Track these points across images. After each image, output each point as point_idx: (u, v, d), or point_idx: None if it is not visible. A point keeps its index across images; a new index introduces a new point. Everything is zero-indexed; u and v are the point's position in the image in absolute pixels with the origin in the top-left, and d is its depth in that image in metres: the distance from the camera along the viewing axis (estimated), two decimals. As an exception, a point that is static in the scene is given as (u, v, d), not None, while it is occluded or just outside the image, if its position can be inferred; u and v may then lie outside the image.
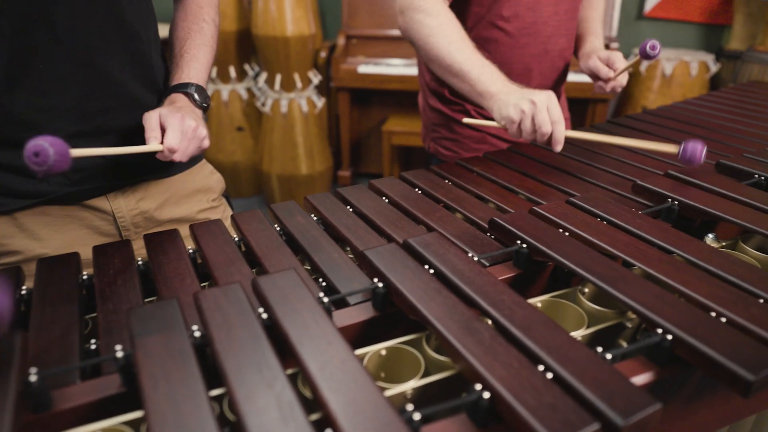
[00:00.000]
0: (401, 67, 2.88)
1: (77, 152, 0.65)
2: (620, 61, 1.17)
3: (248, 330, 0.49)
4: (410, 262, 0.61)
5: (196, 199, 1.01)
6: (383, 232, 0.78)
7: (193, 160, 1.02)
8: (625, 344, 0.59)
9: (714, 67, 2.88)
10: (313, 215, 0.84)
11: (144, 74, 0.88)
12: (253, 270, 0.71)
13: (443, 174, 1.00)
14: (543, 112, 0.91)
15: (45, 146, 0.61)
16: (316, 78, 2.92)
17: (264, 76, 2.87)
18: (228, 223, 0.88)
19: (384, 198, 0.90)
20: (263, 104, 2.88)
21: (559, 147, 0.94)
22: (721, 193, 0.80)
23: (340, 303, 0.61)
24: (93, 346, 0.54)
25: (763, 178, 0.88)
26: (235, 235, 0.79)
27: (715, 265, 0.61)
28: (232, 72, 2.94)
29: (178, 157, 0.78)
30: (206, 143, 0.85)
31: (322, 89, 3.14)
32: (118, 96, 0.84)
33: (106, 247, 0.72)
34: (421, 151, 3.26)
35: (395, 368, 0.54)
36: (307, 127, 2.89)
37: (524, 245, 0.66)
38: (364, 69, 2.87)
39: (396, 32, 2.97)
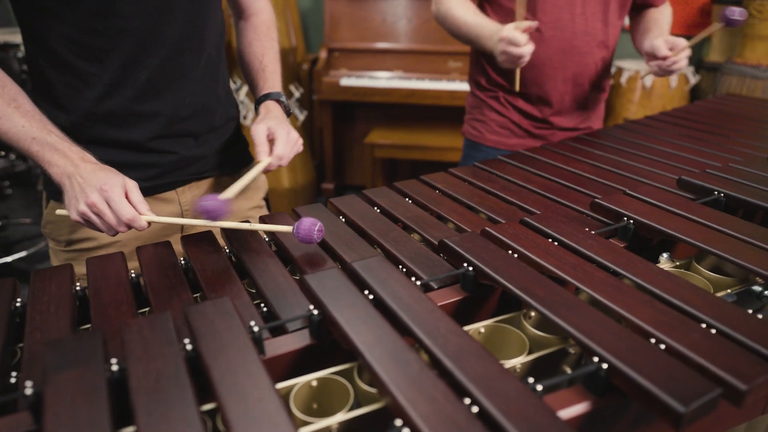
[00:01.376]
0: (384, 80, 2.88)
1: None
2: (683, 44, 1.25)
3: (169, 363, 0.47)
4: (350, 287, 0.59)
5: (247, 195, 1.10)
6: (335, 254, 0.76)
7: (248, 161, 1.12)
8: (569, 370, 0.58)
9: (693, 79, 2.90)
10: (265, 236, 0.83)
11: (216, 85, 1.01)
12: (196, 295, 0.69)
13: (405, 192, 0.99)
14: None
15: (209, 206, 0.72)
16: (297, 91, 2.91)
17: (245, 89, 2.86)
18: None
19: (341, 217, 0.89)
20: (244, 117, 2.87)
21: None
22: (677, 213, 0.79)
23: (279, 330, 0.59)
24: (13, 380, 0.52)
25: (722, 195, 0.87)
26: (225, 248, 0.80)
27: (662, 289, 0.59)
28: (214, 85, 2.93)
29: (284, 163, 0.91)
30: (301, 148, 0.97)
31: (305, 102, 3.13)
32: (198, 104, 0.97)
33: (45, 271, 0.70)
34: (405, 163, 3.26)
35: (327, 399, 0.53)
36: (288, 140, 2.88)
37: (471, 268, 0.65)
38: (346, 82, 2.87)
39: (379, 45, 2.97)
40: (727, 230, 0.73)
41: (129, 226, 0.74)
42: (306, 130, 3.13)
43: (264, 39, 1.08)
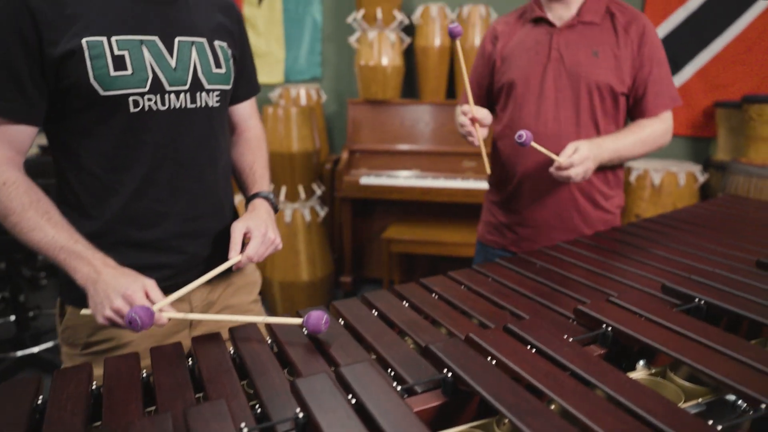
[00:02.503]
0: (402, 179, 3.04)
1: (164, 312, 0.84)
2: (578, 153, 1.30)
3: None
4: (335, 392, 0.64)
5: (246, 290, 1.19)
6: (330, 357, 0.82)
7: None
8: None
9: (702, 178, 2.97)
10: (268, 338, 0.89)
11: (229, 188, 1.13)
12: (198, 396, 0.75)
13: (404, 295, 1.06)
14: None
15: (136, 317, 0.77)
16: (319, 189, 3.08)
17: (270, 187, 3.04)
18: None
19: (340, 320, 0.95)
20: (268, 214, 3.03)
21: None
22: (655, 321, 0.83)
23: (270, 431, 0.64)
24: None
25: (703, 302, 0.91)
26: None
27: (628, 398, 0.63)
28: (241, 184, 3.13)
29: (255, 260, 1.00)
30: (279, 246, 1.06)
31: (327, 199, 3.29)
32: (213, 204, 1.08)
33: (66, 370, 0.78)
34: (422, 258, 3.33)
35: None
36: (309, 235, 3.01)
37: (450, 374, 0.69)
38: (366, 180, 3.03)
39: (397, 146, 3.17)
40: (702, 340, 0.77)
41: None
42: (327, 225, 3.26)
43: (255, 150, 1.20)
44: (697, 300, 0.91)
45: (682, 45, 3.25)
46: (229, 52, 1.07)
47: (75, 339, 1.01)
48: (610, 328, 0.82)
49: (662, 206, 2.92)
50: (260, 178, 1.17)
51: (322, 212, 3.10)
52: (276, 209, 1.14)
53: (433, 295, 1.06)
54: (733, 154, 3.10)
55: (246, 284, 1.19)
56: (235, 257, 0.98)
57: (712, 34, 3.23)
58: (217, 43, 1.04)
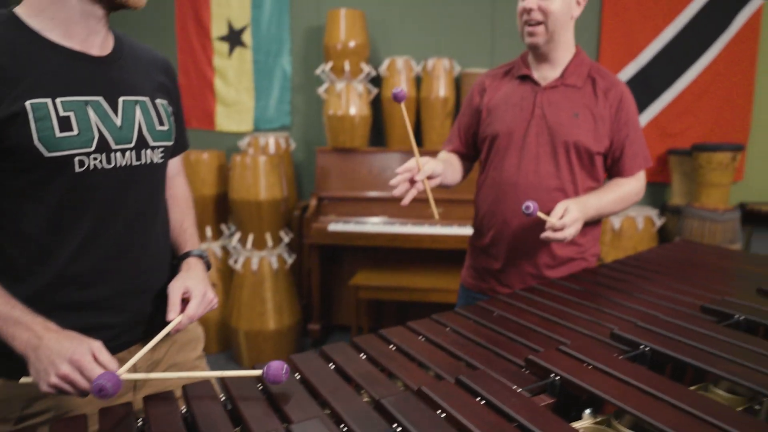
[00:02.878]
0: (369, 225, 3.07)
1: (126, 376, 0.83)
2: (568, 216, 1.34)
3: None
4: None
5: (190, 347, 1.17)
6: (284, 414, 0.82)
7: None
8: None
9: (659, 222, 3.09)
10: (222, 395, 0.88)
11: (166, 242, 1.12)
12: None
13: (361, 347, 1.06)
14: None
15: (106, 385, 0.76)
16: (287, 236, 3.08)
17: (238, 235, 3.03)
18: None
19: (296, 374, 0.95)
20: (235, 261, 3.00)
21: None
22: (601, 369, 0.86)
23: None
24: None
25: (648, 349, 0.94)
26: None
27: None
28: (209, 231, 3.11)
29: (193, 320, 1.00)
30: (216, 305, 1.05)
31: (295, 246, 3.29)
32: (156, 260, 1.07)
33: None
34: (391, 304, 3.33)
35: None
36: (276, 283, 2.99)
37: (399, 429, 0.70)
38: (334, 227, 3.05)
39: (364, 193, 3.21)
40: (646, 388, 0.80)
41: None
42: (294, 272, 3.25)
43: (183, 207, 1.21)
44: (642, 347, 0.95)
45: (635, 96, 3.43)
46: (170, 109, 1.10)
47: (7, 413, 0.94)
48: (558, 378, 0.84)
49: (623, 250, 3.01)
50: (191, 236, 1.17)
51: (290, 259, 3.09)
52: (209, 267, 1.14)
53: (391, 346, 1.06)
54: (687, 198, 3.24)
55: (189, 341, 1.17)
56: (176, 318, 0.97)
57: (662, 86, 3.44)
58: (158, 101, 1.06)
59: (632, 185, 1.56)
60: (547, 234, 1.35)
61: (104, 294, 0.98)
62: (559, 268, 1.57)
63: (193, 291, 1.01)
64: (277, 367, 0.84)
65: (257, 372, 0.86)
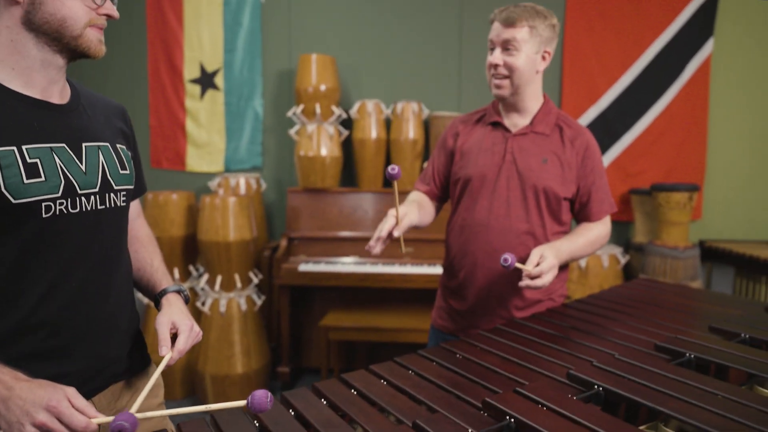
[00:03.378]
0: (340, 265, 3.06)
1: (140, 415, 0.81)
2: (545, 262, 1.37)
3: None
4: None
5: (152, 393, 1.12)
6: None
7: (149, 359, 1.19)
8: None
9: (623, 259, 3.17)
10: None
11: (128, 283, 1.12)
12: None
13: (322, 392, 1.05)
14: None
15: (125, 425, 0.75)
16: (256, 278, 3.06)
17: (206, 276, 2.99)
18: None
19: (255, 422, 0.94)
20: (203, 304, 2.95)
21: None
22: (556, 411, 0.87)
23: None
24: None
25: (601, 389, 0.96)
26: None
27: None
28: (176, 273, 3.06)
29: (182, 355, 0.99)
30: (200, 338, 1.06)
31: (264, 287, 3.26)
32: (121, 301, 1.06)
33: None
34: (362, 345, 3.30)
35: None
36: (245, 325, 2.94)
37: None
38: (304, 267, 3.03)
39: (335, 233, 3.22)
40: (598, 429, 0.81)
41: None
42: (264, 313, 3.21)
43: (149, 246, 1.22)
44: (596, 387, 0.97)
45: (597, 138, 3.56)
46: (129, 153, 1.12)
47: None
48: (513, 420, 0.85)
49: (590, 287, 3.07)
50: (164, 274, 1.18)
51: (259, 301, 3.05)
52: (187, 302, 1.15)
53: (352, 390, 1.06)
54: (649, 236, 3.34)
55: (151, 387, 1.15)
56: (168, 353, 0.98)
57: (622, 129, 3.59)
58: (118, 146, 1.08)
59: (600, 229, 1.63)
60: (525, 282, 1.37)
61: (70, 340, 0.97)
62: (528, 310, 1.60)
63: (180, 325, 1.03)
64: (261, 395, 0.83)
65: (241, 403, 0.83)
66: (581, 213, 1.63)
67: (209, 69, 3.64)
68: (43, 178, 0.91)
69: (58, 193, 0.93)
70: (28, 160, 0.90)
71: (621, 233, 3.60)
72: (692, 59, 3.50)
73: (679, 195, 3.05)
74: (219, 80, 3.64)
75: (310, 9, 3.59)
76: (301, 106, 3.26)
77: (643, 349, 1.20)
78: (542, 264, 1.37)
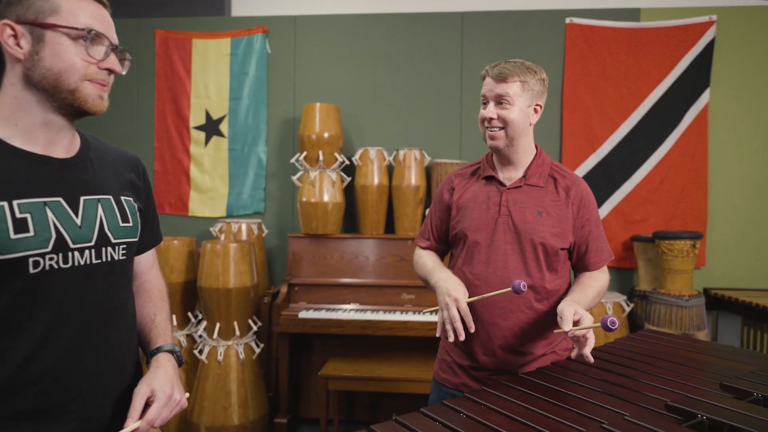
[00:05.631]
0: (341, 312, 3.02)
1: None
2: (586, 320, 1.34)
3: None
4: None
5: None
6: None
7: None
8: None
9: (628, 307, 3.12)
10: None
11: (129, 341, 1.08)
12: None
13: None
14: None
15: None
16: (255, 325, 3.01)
17: (204, 324, 2.95)
18: None
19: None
20: (200, 352, 2.90)
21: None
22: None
23: None
24: None
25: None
26: None
27: None
28: (174, 320, 3.02)
29: (156, 425, 0.95)
30: (185, 406, 1.03)
31: (263, 334, 3.21)
32: (114, 361, 1.03)
33: None
34: (362, 395, 3.21)
35: None
36: (242, 374, 2.88)
37: None
38: (304, 314, 2.99)
39: (336, 280, 3.19)
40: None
41: None
42: (262, 362, 3.14)
43: (156, 302, 1.19)
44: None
45: (596, 186, 3.59)
46: (136, 205, 1.10)
47: None
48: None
49: (594, 336, 3.01)
50: (163, 331, 1.15)
51: (258, 349, 2.99)
52: (181, 363, 1.12)
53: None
54: (653, 284, 3.30)
55: None
56: (132, 424, 0.93)
57: (622, 176, 3.61)
58: (123, 198, 1.07)
59: (603, 279, 1.61)
60: (581, 354, 1.36)
61: (59, 400, 0.94)
62: (532, 364, 1.56)
63: (158, 393, 0.99)
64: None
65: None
66: (580, 263, 1.62)
67: (215, 116, 3.71)
68: (32, 233, 0.90)
69: (47, 247, 0.91)
70: (18, 215, 0.89)
71: (624, 280, 3.57)
72: (690, 108, 3.55)
73: (682, 243, 3.03)
74: (224, 127, 3.70)
75: (314, 59, 3.69)
76: (304, 153, 3.30)
77: (653, 408, 1.16)
78: (581, 319, 1.35)
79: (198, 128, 3.71)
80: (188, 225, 3.73)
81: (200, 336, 2.99)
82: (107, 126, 3.65)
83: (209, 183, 3.71)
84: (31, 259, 0.90)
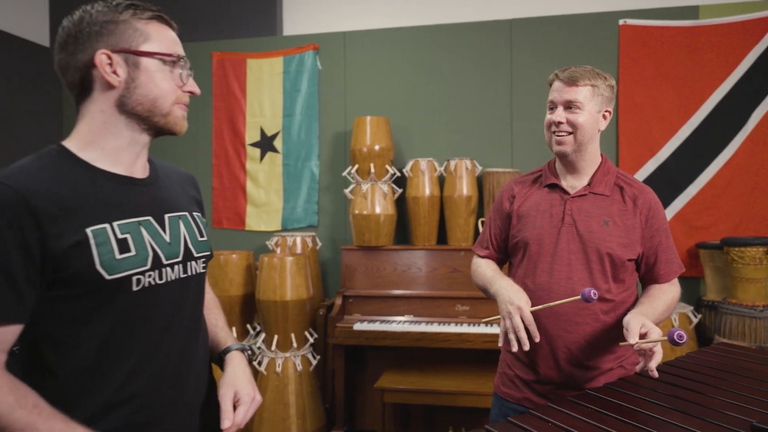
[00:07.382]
0: (395, 324, 3.02)
1: None
2: (653, 333, 1.30)
3: None
4: None
5: None
6: None
7: None
8: None
9: (695, 319, 2.98)
10: None
11: (206, 354, 1.12)
12: None
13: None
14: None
15: None
16: (311, 337, 3.05)
17: (263, 336, 3.02)
18: None
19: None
20: (259, 363, 2.97)
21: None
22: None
23: None
24: None
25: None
26: None
27: None
28: (234, 332, 3.11)
29: (242, 426, 0.99)
30: (260, 402, 1.08)
31: (319, 346, 3.25)
32: (200, 375, 1.07)
33: None
34: (418, 408, 3.19)
35: None
36: (300, 386, 2.92)
37: None
38: (359, 326, 3.01)
39: (389, 291, 3.20)
40: None
41: None
42: (318, 373, 3.18)
43: (213, 308, 1.25)
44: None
45: (657, 191, 3.41)
46: (204, 220, 1.15)
47: None
48: None
49: (663, 355, 2.88)
50: (227, 334, 1.20)
51: (314, 361, 3.03)
52: (251, 360, 1.17)
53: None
54: (723, 293, 3.13)
55: None
56: (230, 426, 0.98)
57: (684, 181, 3.45)
58: (195, 214, 1.12)
59: (674, 292, 1.55)
60: (648, 369, 1.33)
61: (159, 413, 0.97)
62: (598, 379, 1.51)
63: (242, 396, 1.04)
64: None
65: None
66: (648, 275, 1.55)
67: (269, 133, 3.82)
68: (133, 252, 0.94)
69: (147, 265, 0.96)
70: (119, 236, 0.93)
71: (690, 290, 3.40)
72: (756, 108, 3.37)
73: (753, 250, 2.87)
74: (278, 143, 3.80)
75: (364, 73, 3.74)
76: (356, 166, 3.34)
77: (737, 429, 1.10)
78: (653, 335, 1.30)
79: (253, 145, 3.83)
80: (245, 239, 3.84)
81: (259, 348, 3.06)
82: (170, 145, 3.82)
83: (264, 198, 3.82)
84: (134, 278, 0.94)
